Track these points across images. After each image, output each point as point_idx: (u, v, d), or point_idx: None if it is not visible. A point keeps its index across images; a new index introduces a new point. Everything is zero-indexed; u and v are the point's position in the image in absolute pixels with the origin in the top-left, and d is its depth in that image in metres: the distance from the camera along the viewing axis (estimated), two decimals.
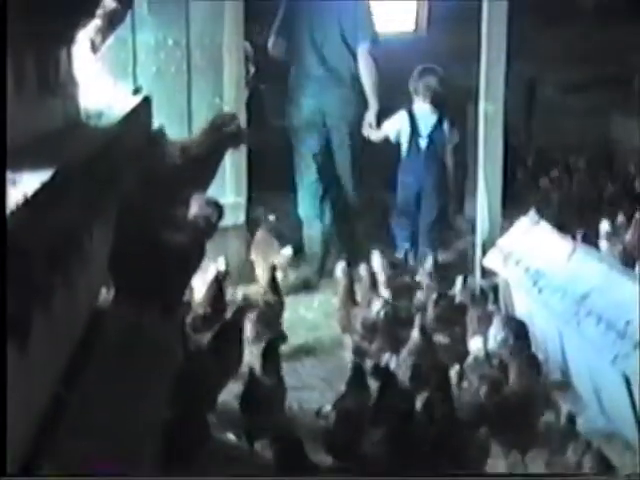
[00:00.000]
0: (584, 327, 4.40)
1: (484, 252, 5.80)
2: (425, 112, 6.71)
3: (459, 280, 5.49)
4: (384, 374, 4.22)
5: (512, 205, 6.31)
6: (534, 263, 5.10)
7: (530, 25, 7.96)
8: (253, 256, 6.16)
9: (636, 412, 4.06)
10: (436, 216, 6.72)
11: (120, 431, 2.64)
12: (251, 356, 4.61)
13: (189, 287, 4.83)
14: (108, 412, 2.72)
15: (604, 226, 6.06)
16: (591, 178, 7.97)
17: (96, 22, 3.83)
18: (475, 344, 4.81)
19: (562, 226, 5.53)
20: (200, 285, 5.08)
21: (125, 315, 3.49)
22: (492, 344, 4.66)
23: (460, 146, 7.08)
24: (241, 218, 6.34)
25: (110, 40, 4.32)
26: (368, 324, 4.96)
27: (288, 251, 5.75)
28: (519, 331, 4.65)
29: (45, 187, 2.22)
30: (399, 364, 4.54)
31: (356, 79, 6.61)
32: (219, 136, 4.57)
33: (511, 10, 5.90)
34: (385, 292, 5.59)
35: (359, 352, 4.90)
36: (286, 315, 5.35)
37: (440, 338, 4.87)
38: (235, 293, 5.73)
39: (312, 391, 4.73)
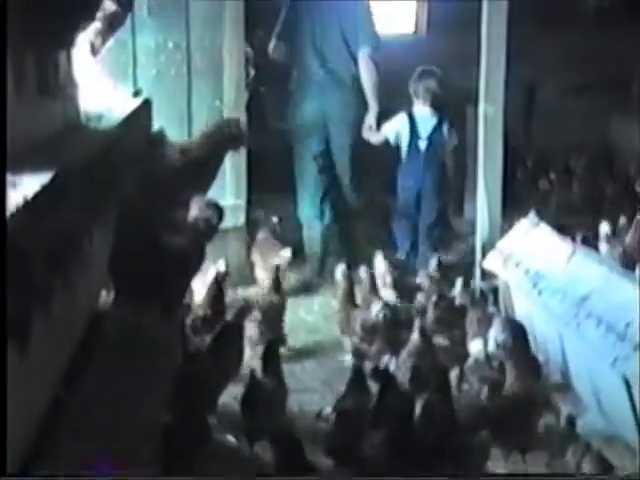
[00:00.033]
0: (584, 329, 4.40)
1: (484, 254, 5.80)
2: (425, 114, 6.71)
3: (459, 282, 5.50)
4: (384, 376, 4.22)
5: (512, 207, 6.31)
6: (534, 265, 5.10)
7: (530, 27, 7.96)
8: (254, 257, 6.17)
9: (636, 414, 4.06)
10: (435, 218, 6.72)
11: (120, 433, 2.64)
12: (253, 357, 4.61)
13: (189, 289, 4.83)
14: (108, 414, 2.72)
15: (604, 228, 6.06)
16: (591, 180, 7.98)
17: (96, 25, 3.83)
18: (475, 346, 4.81)
19: (562, 228, 5.53)
20: (200, 287, 5.09)
21: (125, 317, 3.49)
22: (492, 346, 4.65)
23: (460, 148, 7.08)
24: (241, 220, 6.35)
25: (110, 43, 4.31)
26: (367, 326, 4.96)
27: (287, 253, 5.76)
28: (519, 333, 4.64)
29: (45, 189, 2.23)
30: (399, 366, 4.55)
31: (357, 82, 6.62)
32: (219, 138, 4.58)
33: (511, 12, 5.90)
34: (392, 293, 5.60)
35: (358, 354, 4.90)
36: (286, 317, 5.35)
37: (440, 340, 4.87)
38: (235, 295, 5.73)
39: (312, 394, 4.73)
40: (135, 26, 5.78)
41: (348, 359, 4.91)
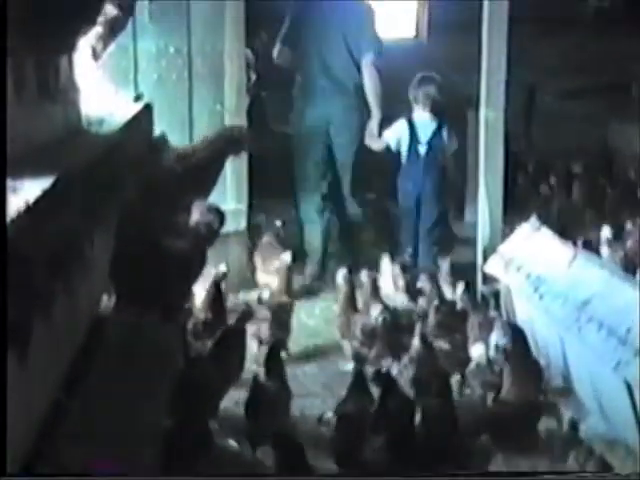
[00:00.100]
0: (585, 333, 4.39)
1: (485, 258, 5.79)
2: (424, 120, 6.73)
3: (460, 286, 5.49)
4: (385, 380, 4.21)
5: (513, 211, 6.31)
6: (535, 269, 5.10)
7: (530, 33, 7.98)
8: (257, 261, 6.18)
9: (638, 418, 4.05)
10: (435, 222, 6.73)
11: (121, 438, 2.64)
12: (259, 357, 4.60)
13: (190, 294, 4.84)
14: (110, 419, 2.72)
15: (605, 232, 6.06)
16: (592, 184, 7.97)
17: (97, 29, 3.84)
18: (477, 351, 4.80)
19: (563, 232, 5.52)
20: (201, 291, 5.08)
21: (126, 321, 3.49)
22: (493, 350, 4.65)
23: (461, 152, 7.09)
24: (242, 225, 6.35)
25: (111, 47, 4.33)
26: (367, 330, 4.97)
27: (288, 257, 5.78)
28: (519, 337, 4.64)
29: (46, 194, 2.23)
30: (400, 370, 4.54)
31: (360, 89, 6.63)
32: (220, 143, 4.58)
33: (511, 18, 5.90)
34: (404, 297, 5.62)
35: (359, 358, 4.89)
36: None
37: (441, 344, 4.86)
38: (237, 299, 5.73)
39: (314, 398, 4.72)
40: (136, 31, 5.78)
41: (349, 367, 4.90)
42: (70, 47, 3.39)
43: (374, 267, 5.93)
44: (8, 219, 1.96)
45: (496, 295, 5.55)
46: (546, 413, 4.39)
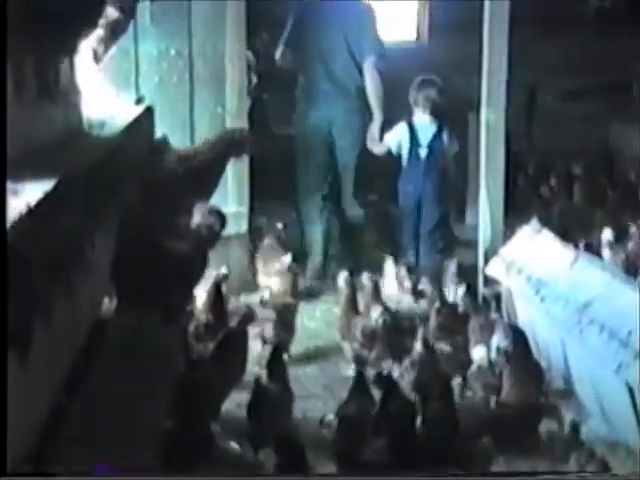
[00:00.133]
0: (586, 336, 4.39)
1: (486, 260, 5.79)
2: (425, 123, 6.73)
3: (461, 289, 5.49)
4: (387, 383, 4.21)
5: (514, 213, 6.30)
6: (536, 271, 5.10)
7: (531, 34, 7.97)
8: (258, 264, 6.18)
9: (639, 420, 4.05)
10: (436, 224, 6.73)
11: (123, 440, 2.64)
12: (262, 358, 4.61)
13: (192, 296, 4.84)
14: (111, 421, 2.72)
15: (606, 234, 6.05)
16: (593, 186, 7.97)
17: (98, 32, 3.85)
18: (478, 353, 4.80)
19: (564, 234, 5.52)
20: (203, 294, 5.08)
21: (128, 324, 3.49)
22: (495, 353, 4.65)
23: (462, 154, 7.09)
24: (243, 227, 6.35)
25: (112, 50, 4.33)
26: (367, 332, 4.97)
27: (287, 259, 5.79)
28: (521, 340, 4.64)
29: (48, 197, 2.23)
30: (402, 373, 4.54)
31: (362, 91, 6.64)
32: (221, 146, 4.59)
33: (512, 18, 5.90)
34: (410, 299, 5.63)
35: (359, 360, 4.90)
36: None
37: (443, 347, 4.86)
38: (238, 302, 5.73)
39: (315, 400, 4.72)
40: (137, 33, 5.79)
41: (350, 372, 4.89)
42: (71, 49, 3.39)
43: (376, 269, 5.93)
44: (10, 221, 1.96)
45: (497, 297, 5.55)
46: (547, 415, 4.39)
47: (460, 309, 5.32)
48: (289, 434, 3.92)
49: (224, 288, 5.20)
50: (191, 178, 4.29)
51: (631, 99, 8.94)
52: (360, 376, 4.29)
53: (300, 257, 6.43)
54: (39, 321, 2.26)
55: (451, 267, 5.93)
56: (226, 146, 4.60)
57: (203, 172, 4.43)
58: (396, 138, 6.76)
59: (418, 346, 4.62)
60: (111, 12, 3.86)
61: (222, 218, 4.28)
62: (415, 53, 8.87)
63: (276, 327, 5.06)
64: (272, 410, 4.06)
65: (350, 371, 4.79)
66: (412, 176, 6.74)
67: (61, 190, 2.35)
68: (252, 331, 4.78)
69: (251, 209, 6.47)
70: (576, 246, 5.36)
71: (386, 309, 5.11)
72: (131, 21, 4.52)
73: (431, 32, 9.34)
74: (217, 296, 5.02)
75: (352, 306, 5.27)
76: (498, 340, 4.67)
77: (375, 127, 6.68)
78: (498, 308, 5.43)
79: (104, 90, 4.42)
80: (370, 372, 4.54)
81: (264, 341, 4.95)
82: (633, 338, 4.08)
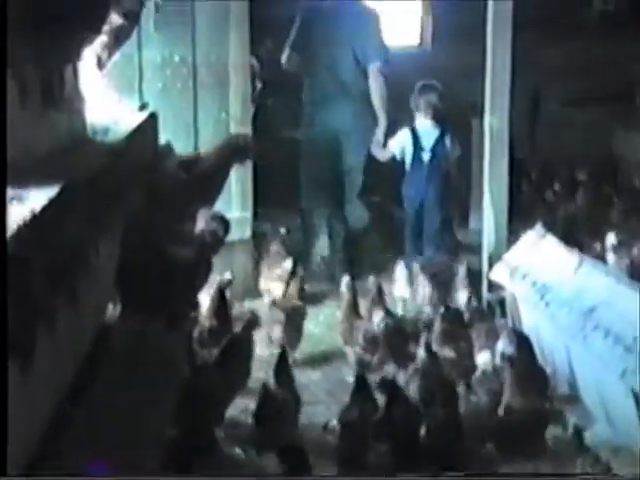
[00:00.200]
0: (591, 341, 4.39)
1: (490, 266, 5.79)
2: (427, 128, 6.76)
3: (465, 294, 5.48)
4: (391, 388, 4.21)
5: (518, 218, 6.29)
6: (541, 277, 5.09)
7: (534, 39, 7.97)
8: (263, 269, 6.18)
9: None
10: (439, 228, 6.75)
11: (127, 446, 2.64)
12: (270, 361, 4.61)
13: (196, 302, 4.84)
14: (115, 427, 2.72)
15: (611, 239, 6.04)
16: (597, 191, 7.96)
17: (102, 38, 3.85)
18: (482, 358, 4.80)
19: (569, 239, 5.51)
20: (207, 300, 5.09)
21: (132, 330, 3.49)
22: (499, 358, 4.64)
23: (465, 160, 7.10)
24: (247, 233, 6.35)
25: (116, 56, 4.33)
26: (369, 336, 4.98)
27: (289, 264, 5.80)
28: (526, 345, 4.63)
29: (52, 203, 2.23)
30: (407, 379, 4.53)
31: (366, 96, 6.65)
32: (225, 152, 4.59)
33: (515, 24, 5.91)
34: (429, 300, 5.65)
35: (361, 364, 4.90)
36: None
37: (447, 352, 4.85)
38: (242, 307, 5.74)
39: (318, 405, 4.72)
40: (141, 40, 5.80)
41: (351, 369, 4.89)
42: (75, 56, 3.40)
43: (379, 273, 5.93)
44: (14, 228, 1.96)
45: (502, 303, 5.55)
46: (552, 420, 4.38)
47: (465, 315, 5.31)
48: (293, 440, 3.92)
49: (228, 294, 5.21)
50: (195, 184, 4.30)
51: (635, 105, 8.93)
52: (361, 380, 4.28)
53: (304, 262, 6.43)
54: (43, 328, 2.26)
55: (461, 271, 5.92)
56: (230, 152, 4.60)
57: (207, 178, 4.43)
58: (400, 144, 6.79)
59: (421, 352, 4.61)
60: (115, 19, 3.86)
61: (226, 224, 4.28)
62: (418, 58, 8.87)
63: (285, 329, 5.08)
64: (279, 416, 4.06)
65: (351, 371, 4.80)
66: (415, 180, 6.76)
67: (65, 196, 2.35)
68: (259, 334, 4.79)
69: (255, 215, 6.48)
70: (580, 251, 5.35)
71: (388, 313, 5.11)
72: (135, 27, 4.53)
73: (434, 37, 9.34)
74: (221, 302, 5.02)
75: (354, 310, 5.28)
76: (503, 345, 4.66)
77: (380, 133, 6.70)
78: (503, 313, 5.42)
79: (108, 96, 4.42)
80: (373, 377, 4.54)
81: (271, 343, 4.95)
82: (638, 344, 4.07)
